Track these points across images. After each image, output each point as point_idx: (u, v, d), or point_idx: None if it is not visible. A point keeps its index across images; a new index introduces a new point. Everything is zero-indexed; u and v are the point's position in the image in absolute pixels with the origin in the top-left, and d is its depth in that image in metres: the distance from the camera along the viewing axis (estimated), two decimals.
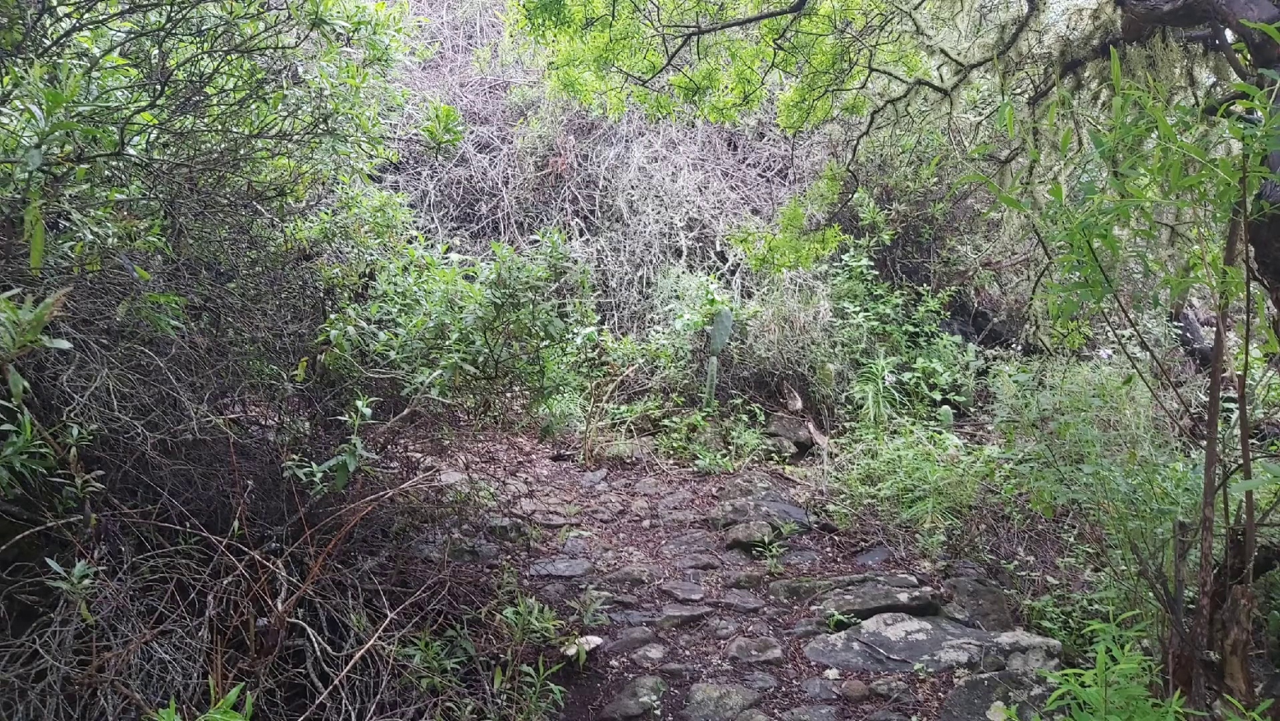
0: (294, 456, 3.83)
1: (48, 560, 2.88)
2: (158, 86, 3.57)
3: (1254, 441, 6.84)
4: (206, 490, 3.70)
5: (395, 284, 4.97)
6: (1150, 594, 3.98)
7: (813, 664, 4.80)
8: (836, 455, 8.60)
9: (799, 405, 9.50)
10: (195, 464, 3.68)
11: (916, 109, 7.00)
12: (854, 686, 4.48)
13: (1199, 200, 2.66)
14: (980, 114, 9.36)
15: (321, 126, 4.12)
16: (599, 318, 10.30)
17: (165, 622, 3.19)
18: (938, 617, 5.26)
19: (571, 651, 4.49)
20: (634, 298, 10.67)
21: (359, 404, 3.93)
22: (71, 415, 3.01)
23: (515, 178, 11.36)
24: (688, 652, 4.96)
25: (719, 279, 10.53)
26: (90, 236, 2.99)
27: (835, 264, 10.63)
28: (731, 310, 9.47)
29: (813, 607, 5.50)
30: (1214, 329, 5.73)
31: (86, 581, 2.84)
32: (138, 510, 3.42)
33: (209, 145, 4.04)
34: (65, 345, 2.39)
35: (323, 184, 5.12)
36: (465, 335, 4.54)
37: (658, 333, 9.89)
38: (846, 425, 9.23)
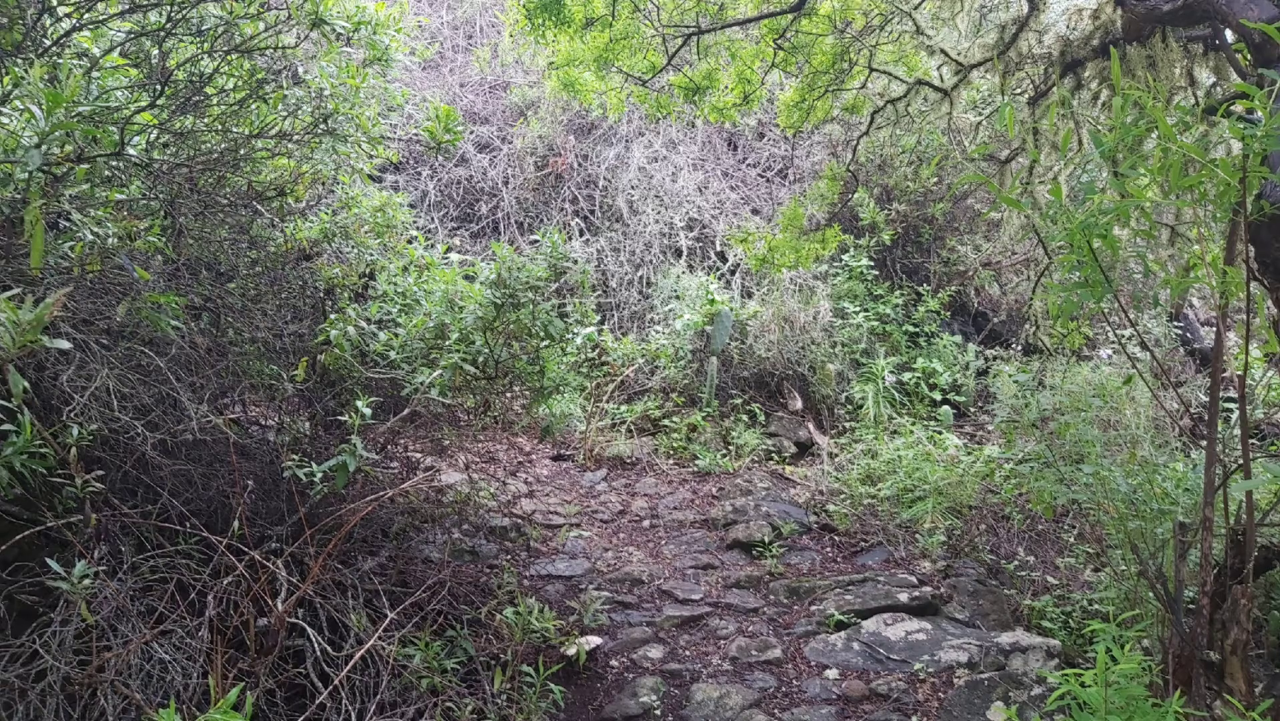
0: (294, 456, 3.83)
1: (48, 560, 2.88)
2: (158, 87, 3.57)
3: (1254, 441, 6.84)
4: (206, 490, 3.70)
5: (395, 284, 4.97)
6: (1150, 594, 3.98)
7: (813, 664, 4.80)
8: (836, 455, 8.60)
9: (799, 405, 9.50)
10: (195, 464, 3.68)
11: (916, 109, 7.01)
12: (854, 686, 4.48)
13: (1199, 200, 2.66)
14: (980, 114, 9.36)
15: (321, 126, 4.12)
16: (599, 318, 10.29)
17: (165, 622, 3.19)
18: (938, 617, 5.26)
19: (571, 651, 4.49)
20: (634, 298, 10.67)
21: (359, 404, 3.93)
22: (71, 415, 3.02)
23: (515, 178, 11.36)
24: (688, 652, 4.96)
25: (719, 279, 10.53)
26: (90, 236, 2.99)
27: (835, 264, 10.63)
28: (731, 310, 9.47)
29: (813, 607, 5.50)
30: (1214, 329, 5.73)
31: (86, 581, 2.84)
32: (138, 510, 3.42)
33: (209, 145, 4.04)
34: (65, 345, 2.39)
35: (323, 184, 5.12)
36: (465, 335, 4.54)
37: (658, 333, 9.89)
38: (846, 425, 9.23)
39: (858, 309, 10.18)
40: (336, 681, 3.33)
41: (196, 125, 4.02)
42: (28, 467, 2.77)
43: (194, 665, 3.13)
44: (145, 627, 3.10)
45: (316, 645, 3.48)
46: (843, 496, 7.44)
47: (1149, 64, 5.21)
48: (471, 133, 11.64)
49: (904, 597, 5.41)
